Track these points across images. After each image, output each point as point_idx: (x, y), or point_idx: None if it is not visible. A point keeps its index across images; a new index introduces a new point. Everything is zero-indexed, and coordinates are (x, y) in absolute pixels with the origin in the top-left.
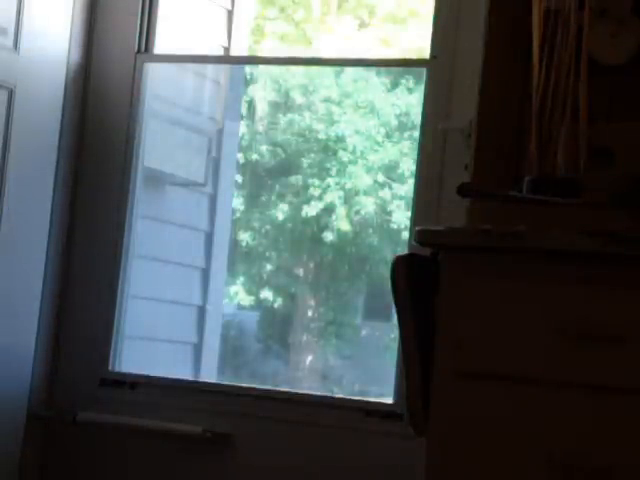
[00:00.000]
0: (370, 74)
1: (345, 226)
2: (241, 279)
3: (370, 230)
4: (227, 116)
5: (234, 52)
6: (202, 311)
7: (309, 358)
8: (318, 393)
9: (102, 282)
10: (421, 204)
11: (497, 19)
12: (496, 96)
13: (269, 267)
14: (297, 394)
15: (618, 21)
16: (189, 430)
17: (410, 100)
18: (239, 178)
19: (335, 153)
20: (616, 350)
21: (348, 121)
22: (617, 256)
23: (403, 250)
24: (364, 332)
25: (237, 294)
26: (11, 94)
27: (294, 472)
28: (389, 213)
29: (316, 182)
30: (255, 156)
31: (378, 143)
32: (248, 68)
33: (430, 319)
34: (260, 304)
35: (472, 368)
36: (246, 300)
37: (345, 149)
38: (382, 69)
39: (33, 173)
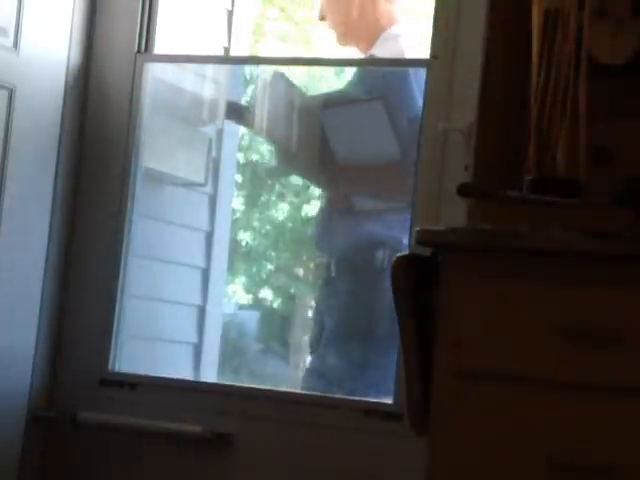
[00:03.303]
0: None
1: None
2: (241, 279)
3: None
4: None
5: (234, 52)
6: (202, 311)
7: (309, 358)
8: (318, 393)
9: (102, 282)
10: (421, 204)
11: (497, 19)
12: (496, 96)
13: (269, 267)
14: (297, 394)
15: (618, 21)
16: (189, 430)
17: None
18: (239, 178)
19: None
20: (616, 350)
21: None
22: (617, 256)
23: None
24: None
25: (237, 294)
26: (11, 94)
27: (294, 472)
28: None
29: None
30: (255, 156)
31: None
32: (248, 68)
33: (430, 319)
34: (260, 304)
35: (472, 368)
36: (246, 300)
37: None
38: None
39: (33, 173)
